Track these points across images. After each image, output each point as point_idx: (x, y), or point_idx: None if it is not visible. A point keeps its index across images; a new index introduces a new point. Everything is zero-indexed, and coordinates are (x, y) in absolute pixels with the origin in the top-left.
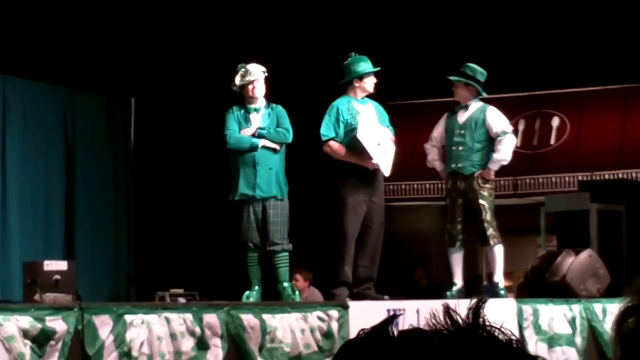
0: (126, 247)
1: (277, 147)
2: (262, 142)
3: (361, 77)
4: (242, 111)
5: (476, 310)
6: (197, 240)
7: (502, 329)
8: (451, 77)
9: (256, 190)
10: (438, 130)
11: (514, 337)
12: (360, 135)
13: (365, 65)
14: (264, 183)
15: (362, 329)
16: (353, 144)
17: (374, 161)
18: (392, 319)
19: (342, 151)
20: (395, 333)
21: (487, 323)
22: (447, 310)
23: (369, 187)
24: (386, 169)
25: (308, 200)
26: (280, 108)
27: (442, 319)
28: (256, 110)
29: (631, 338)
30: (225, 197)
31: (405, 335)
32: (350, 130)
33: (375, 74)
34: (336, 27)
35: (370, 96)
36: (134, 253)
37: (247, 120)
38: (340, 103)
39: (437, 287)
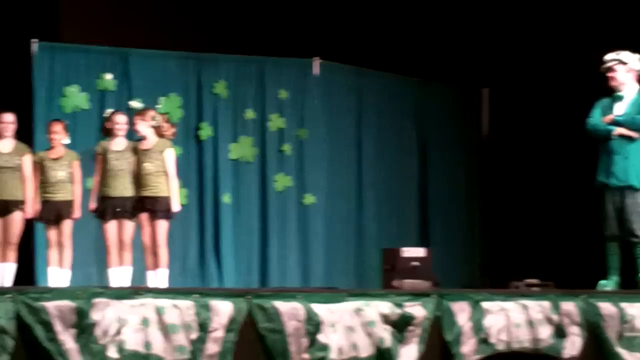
0: (478, 236)
1: (633, 134)
2: (617, 130)
3: None
4: (609, 99)
5: None
6: (551, 229)
7: None
8: None
9: (611, 179)
10: None
11: None
12: None
13: None
14: (620, 172)
15: None
16: None
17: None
18: None
19: None
20: None
21: None
22: None
23: None
24: None
25: None
26: None
27: None
28: (620, 98)
29: None
30: (580, 186)
31: None
32: None
33: None
34: None
35: None
36: (486, 242)
37: (612, 109)
38: None
39: None
